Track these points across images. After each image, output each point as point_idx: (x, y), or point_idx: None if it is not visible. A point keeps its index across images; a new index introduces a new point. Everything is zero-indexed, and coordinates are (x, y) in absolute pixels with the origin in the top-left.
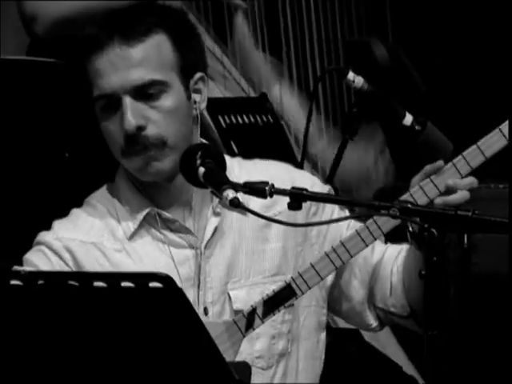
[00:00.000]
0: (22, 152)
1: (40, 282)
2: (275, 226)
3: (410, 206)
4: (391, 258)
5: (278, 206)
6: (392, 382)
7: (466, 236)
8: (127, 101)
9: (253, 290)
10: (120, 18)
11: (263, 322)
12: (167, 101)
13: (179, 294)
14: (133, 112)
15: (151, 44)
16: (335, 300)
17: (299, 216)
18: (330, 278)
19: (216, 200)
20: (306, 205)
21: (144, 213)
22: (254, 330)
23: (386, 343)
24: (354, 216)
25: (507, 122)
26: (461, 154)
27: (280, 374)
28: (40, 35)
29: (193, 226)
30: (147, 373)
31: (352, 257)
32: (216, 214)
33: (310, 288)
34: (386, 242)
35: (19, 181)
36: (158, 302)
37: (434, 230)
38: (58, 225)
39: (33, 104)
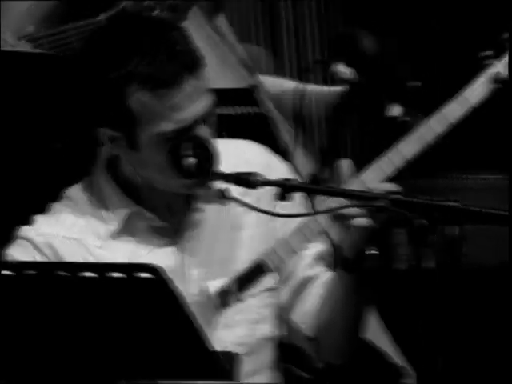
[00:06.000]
0: (13, 144)
1: (28, 272)
2: (251, 212)
3: (400, 197)
4: (320, 281)
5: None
6: (381, 372)
7: (457, 227)
8: (202, 128)
9: (229, 278)
10: (174, 49)
11: (237, 299)
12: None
13: (167, 283)
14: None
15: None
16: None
17: (265, 201)
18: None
19: (198, 195)
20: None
21: (128, 212)
22: (228, 307)
23: (376, 334)
24: (342, 207)
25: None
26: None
27: (272, 356)
28: None
29: (173, 221)
30: (136, 361)
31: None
32: (196, 209)
33: (283, 262)
34: None
35: (8, 173)
36: (146, 292)
37: (425, 221)
38: (39, 220)
39: (23, 96)
